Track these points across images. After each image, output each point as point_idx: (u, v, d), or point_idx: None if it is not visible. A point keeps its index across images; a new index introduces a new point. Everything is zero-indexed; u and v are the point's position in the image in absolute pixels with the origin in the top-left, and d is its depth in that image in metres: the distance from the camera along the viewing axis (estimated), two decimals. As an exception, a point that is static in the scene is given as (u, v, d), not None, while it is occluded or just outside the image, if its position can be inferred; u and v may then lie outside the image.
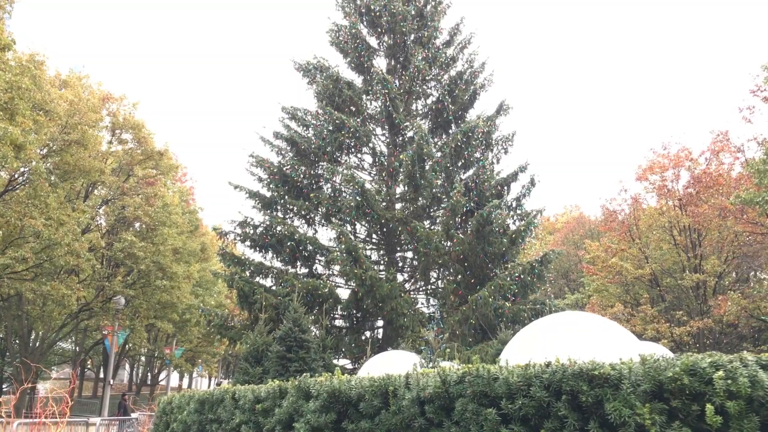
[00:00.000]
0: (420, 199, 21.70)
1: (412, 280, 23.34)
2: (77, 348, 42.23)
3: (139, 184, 29.16)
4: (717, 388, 2.65)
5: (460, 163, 22.19)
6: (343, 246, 19.61)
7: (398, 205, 22.48)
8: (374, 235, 23.98)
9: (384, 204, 23.37)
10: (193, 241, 38.62)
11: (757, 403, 2.59)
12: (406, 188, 21.15)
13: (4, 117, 13.84)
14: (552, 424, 3.12)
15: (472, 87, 24.71)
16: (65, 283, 20.52)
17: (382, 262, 24.01)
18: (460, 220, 22.87)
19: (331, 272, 22.25)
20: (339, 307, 20.59)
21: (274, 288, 21.79)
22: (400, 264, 23.73)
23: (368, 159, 24.04)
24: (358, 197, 20.13)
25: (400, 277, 24.10)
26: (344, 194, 21.56)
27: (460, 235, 21.99)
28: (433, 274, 23.37)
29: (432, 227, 20.91)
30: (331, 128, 22.14)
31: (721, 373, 2.65)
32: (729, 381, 2.63)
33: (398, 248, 23.80)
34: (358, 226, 23.68)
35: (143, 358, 57.67)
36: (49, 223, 18.67)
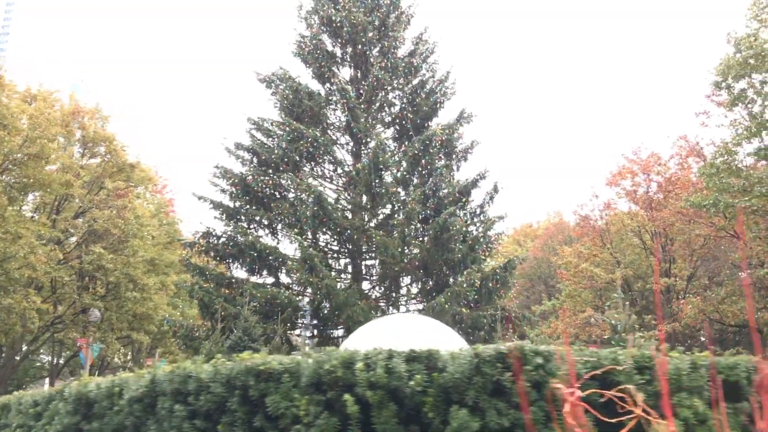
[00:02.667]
0: (379, 207, 21.87)
1: (375, 289, 23.46)
2: (56, 361, 42.10)
3: (110, 197, 29.27)
4: (360, 378, 2.78)
5: (417, 172, 22.34)
6: (299, 255, 19.75)
7: (360, 215, 22.63)
8: (339, 245, 24.11)
9: (348, 213, 23.54)
10: (171, 252, 38.61)
11: (398, 392, 2.72)
12: (365, 197, 21.32)
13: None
14: (227, 419, 3.25)
15: (434, 96, 24.91)
16: (23, 296, 20.59)
17: (346, 271, 24.16)
18: (422, 228, 23.04)
19: (294, 282, 22.38)
20: (298, 316, 20.71)
21: (237, 298, 21.89)
22: (365, 272, 23.83)
23: (331, 169, 24.20)
24: (314, 207, 20.26)
25: (367, 285, 24.24)
26: (303, 204, 21.72)
27: (419, 242, 22.16)
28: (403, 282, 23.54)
29: (390, 236, 21.04)
30: (290, 138, 22.31)
31: (361, 364, 2.78)
32: (370, 372, 2.76)
33: (365, 257, 23.92)
34: (326, 235, 23.84)
35: (124, 371, 57.49)
36: (5, 236, 18.81)
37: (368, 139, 23.70)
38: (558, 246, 38.00)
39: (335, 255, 23.67)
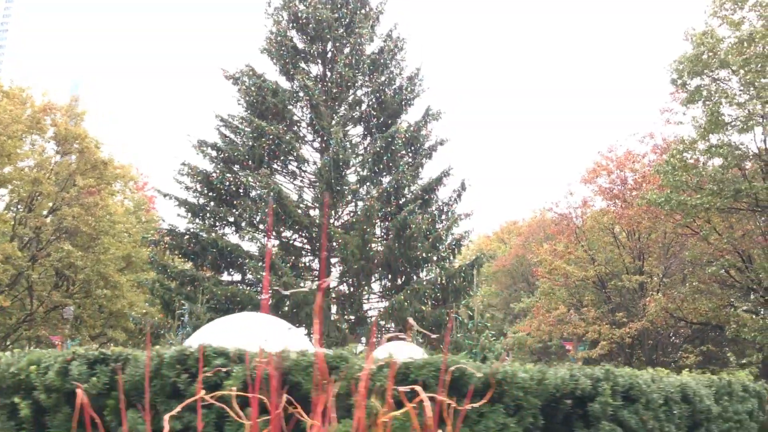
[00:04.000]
0: (341, 205, 21.82)
1: (339, 287, 23.39)
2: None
3: (81, 194, 29.17)
4: (35, 382, 2.74)
5: (379, 170, 22.26)
6: (256, 253, 19.69)
7: (314, 212, 22.56)
8: (307, 243, 24.04)
9: (314, 211, 23.48)
10: (149, 250, 38.56)
11: (71, 395, 2.68)
12: (322, 194, 21.25)
13: None
14: None
15: (403, 94, 24.84)
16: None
17: (311, 269, 24.10)
18: (388, 225, 22.98)
19: (254, 279, 22.31)
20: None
21: (198, 296, 21.83)
22: (327, 271, 23.74)
23: (296, 166, 24.10)
24: (274, 204, 20.20)
25: (336, 284, 24.17)
26: (264, 201, 21.65)
27: (381, 240, 22.11)
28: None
29: (350, 233, 20.98)
30: (253, 136, 22.23)
31: (34, 367, 2.74)
32: (44, 375, 2.72)
33: (330, 254, 23.85)
34: (296, 234, 23.76)
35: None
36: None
37: (333, 137, 23.62)
38: (536, 244, 37.95)
39: (302, 253, 23.59)
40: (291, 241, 23.13)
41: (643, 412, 5.40)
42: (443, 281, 22.68)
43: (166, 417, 1.81)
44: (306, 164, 23.21)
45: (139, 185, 48.44)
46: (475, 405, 3.09)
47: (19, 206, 32.06)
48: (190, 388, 2.95)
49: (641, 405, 5.47)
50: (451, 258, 24.34)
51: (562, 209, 34.45)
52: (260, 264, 20.08)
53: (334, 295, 23.35)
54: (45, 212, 31.50)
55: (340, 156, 20.57)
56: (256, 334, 4.96)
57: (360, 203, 22.37)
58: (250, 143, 22.84)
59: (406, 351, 10.43)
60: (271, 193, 20.04)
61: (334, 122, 22.89)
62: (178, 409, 2.00)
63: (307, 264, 23.46)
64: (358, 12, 25.29)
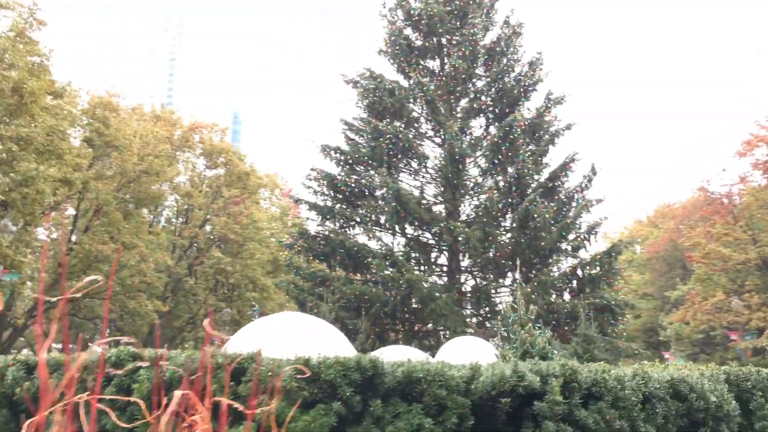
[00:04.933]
0: (462, 199, 21.58)
1: (467, 282, 23.18)
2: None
3: (227, 204, 31.41)
4: None
5: (498, 160, 21.72)
6: (379, 251, 20.02)
7: (438, 207, 22.46)
8: (434, 239, 24.05)
9: (439, 208, 23.46)
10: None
11: (11, 399, 2.78)
12: (443, 189, 21.14)
13: (50, 158, 16.00)
14: None
15: (522, 81, 24.11)
16: (137, 300, 22.79)
17: (440, 265, 24.07)
18: (511, 218, 22.39)
19: (377, 277, 22.68)
20: (384, 311, 20.93)
21: (329, 296, 22.62)
22: (452, 266, 23.58)
23: (417, 163, 24.18)
24: (392, 202, 20.41)
25: (465, 278, 24.00)
26: (385, 200, 21.95)
27: (504, 232, 21.60)
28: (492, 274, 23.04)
29: (471, 227, 20.67)
30: (373, 136, 22.61)
31: None
32: None
33: (457, 249, 23.69)
34: (421, 231, 23.88)
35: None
36: (116, 247, 20.99)
37: (447, 131, 23.46)
38: (688, 227, 35.06)
39: (427, 249, 23.61)
40: (418, 237, 23.19)
41: (608, 411, 4.80)
42: (581, 271, 21.75)
43: (25, 424, 1.89)
44: (426, 160, 23.20)
45: (284, 192, 51.20)
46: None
47: (177, 219, 35.20)
48: (104, 391, 3.08)
49: (606, 404, 4.87)
50: (586, 246, 23.20)
51: (715, 188, 31.63)
52: (385, 263, 20.37)
53: (467, 290, 23.21)
54: (198, 223, 34.31)
55: (456, 150, 20.35)
56: (290, 335, 5.04)
57: (483, 196, 21.99)
58: (372, 144, 23.26)
59: (473, 348, 10.12)
60: (390, 192, 20.26)
61: (449, 116, 22.71)
62: (45, 412, 2.08)
63: (431, 259, 23.44)
64: (471, 2, 24.88)
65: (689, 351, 36.35)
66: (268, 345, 4.85)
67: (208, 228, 33.28)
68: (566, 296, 22.60)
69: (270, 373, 2.86)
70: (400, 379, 3.82)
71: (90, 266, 21.24)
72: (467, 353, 7.98)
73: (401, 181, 22.62)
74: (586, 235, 22.53)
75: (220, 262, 29.90)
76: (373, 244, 23.47)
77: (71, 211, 22.13)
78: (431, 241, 23.44)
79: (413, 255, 22.37)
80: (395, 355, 7.46)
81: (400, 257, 20.57)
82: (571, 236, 21.85)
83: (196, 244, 32.23)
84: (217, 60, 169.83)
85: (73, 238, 24.06)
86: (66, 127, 16.91)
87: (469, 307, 23.42)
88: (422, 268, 22.89)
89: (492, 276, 23.02)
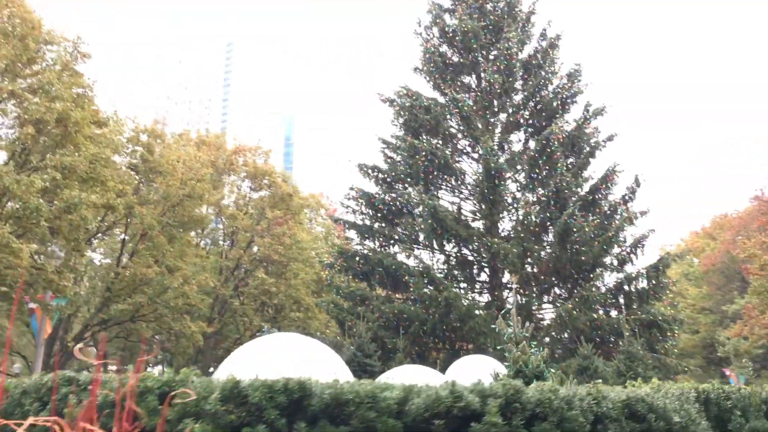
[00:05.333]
0: (499, 214, 21.32)
1: (508, 299, 22.79)
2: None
3: (270, 225, 31.82)
4: None
5: (536, 174, 21.40)
6: (416, 269, 19.91)
7: (477, 224, 22.22)
8: (474, 256, 23.79)
9: (477, 224, 23.21)
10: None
11: None
12: (481, 205, 20.93)
13: (94, 185, 16.60)
14: None
15: (561, 93, 23.81)
16: (181, 322, 23.26)
17: (481, 281, 23.78)
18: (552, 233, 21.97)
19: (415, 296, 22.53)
20: (423, 330, 20.73)
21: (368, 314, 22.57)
22: (494, 283, 23.27)
23: (454, 179, 24.04)
24: (429, 220, 20.30)
25: (507, 295, 23.62)
26: (422, 218, 21.86)
27: (544, 247, 21.20)
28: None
29: (509, 242, 20.35)
30: (408, 154, 22.61)
31: None
32: None
33: (497, 265, 23.37)
34: (461, 248, 23.66)
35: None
36: (161, 270, 21.50)
37: (482, 147, 23.29)
38: (744, 238, 33.68)
39: (466, 266, 23.37)
40: (457, 254, 22.96)
41: None
42: (626, 286, 21.21)
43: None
44: (464, 176, 23.04)
45: (329, 211, 51.54)
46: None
47: (224, 241, 35.86)
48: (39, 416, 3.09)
49: (550, 425, 4.59)
50: (633, 260, 22.56)
51: (770, 195, 30.34)
52: (424, 280, 20.25)
53: (509, 307, 22.82)
54: (244, 245, 34.83)
55: (491, 165, 20.14)
56: (285, 357, 5.02)
57: (521, 211, 21.68)
58: (409, 161, 23.25)
59: (482, 367, 9.83)
60: (426, 209, 20.17)
61: (485, 131, 22.53)
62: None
63: (473, 275, 23.17)
64: (506, 17, 24.75)
65: (747, 368, 34.77)
66: (258, 366, 4.84)
67: (254, 249, 33.77)
68: (613, 313, 22.00)
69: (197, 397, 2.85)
70: (328, 401, 3.74)
71: (135, 290, 21.84)
72: (474, 372, 7.80)
73: (439, 198, 22.52)
74: (632, 249, 21.92)
75: (264, 283, 30.27)
76: (412, 262, 23.37)
77: (120, 236, 22.84)
78: (471, 258, 23.20)
79: (454, 272, 22.17)
80: (405, 376, 7.36)
81: (438, 275, 20.39)
82: (615, 250, 21.29)
83: (242, 266, 32.74)
84: (267, 84, 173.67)
85: (124, 261, 24.86)
86: (109, 154, 17.55)
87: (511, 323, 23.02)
88: (463, 285, 22.66)
89: (535, 292, 22.61)
